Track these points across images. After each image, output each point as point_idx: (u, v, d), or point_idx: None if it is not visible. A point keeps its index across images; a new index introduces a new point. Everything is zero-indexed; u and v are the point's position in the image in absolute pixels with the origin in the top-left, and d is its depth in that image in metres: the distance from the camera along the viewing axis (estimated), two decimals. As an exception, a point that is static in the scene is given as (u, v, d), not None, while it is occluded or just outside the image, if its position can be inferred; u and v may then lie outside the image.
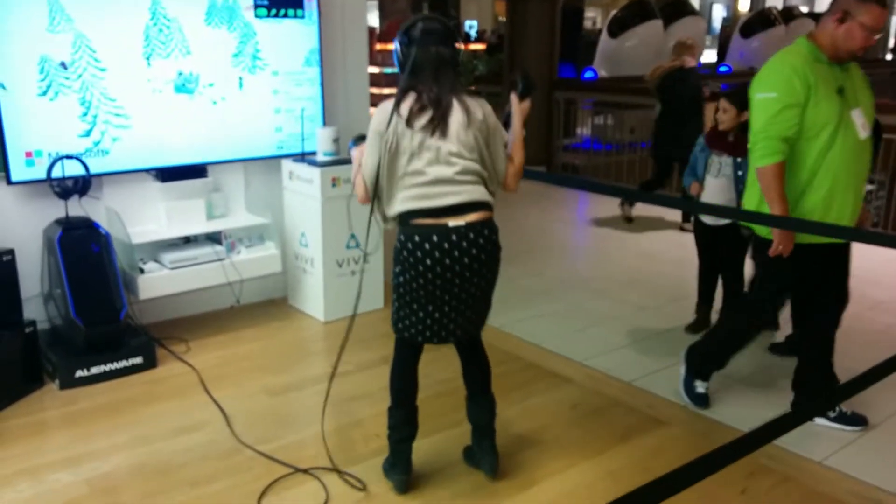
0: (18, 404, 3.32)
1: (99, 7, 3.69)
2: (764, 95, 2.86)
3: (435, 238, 2.38)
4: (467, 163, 2.43)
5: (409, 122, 2.38)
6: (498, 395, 2.78)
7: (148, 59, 3.87)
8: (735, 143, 3.88)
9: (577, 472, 2.84)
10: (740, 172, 3.85)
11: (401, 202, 2.44)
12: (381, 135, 2.40)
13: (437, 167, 2.40)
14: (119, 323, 3.55)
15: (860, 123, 2.87)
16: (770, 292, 3.17)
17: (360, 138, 2.63)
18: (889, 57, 17.59)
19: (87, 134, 3.74)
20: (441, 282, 2.42)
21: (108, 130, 3.80)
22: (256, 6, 4.15)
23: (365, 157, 2.45)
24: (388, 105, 2.43)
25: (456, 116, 2.42)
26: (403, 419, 2.67)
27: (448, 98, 2.42)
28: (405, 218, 2.45)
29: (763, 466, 2.84)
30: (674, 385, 3.52)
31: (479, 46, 17.00)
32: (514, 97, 2.72)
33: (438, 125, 2.39)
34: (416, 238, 2.40)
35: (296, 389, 3.56)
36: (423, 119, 2.38)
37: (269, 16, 4.20)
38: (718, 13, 22.11)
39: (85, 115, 3.72)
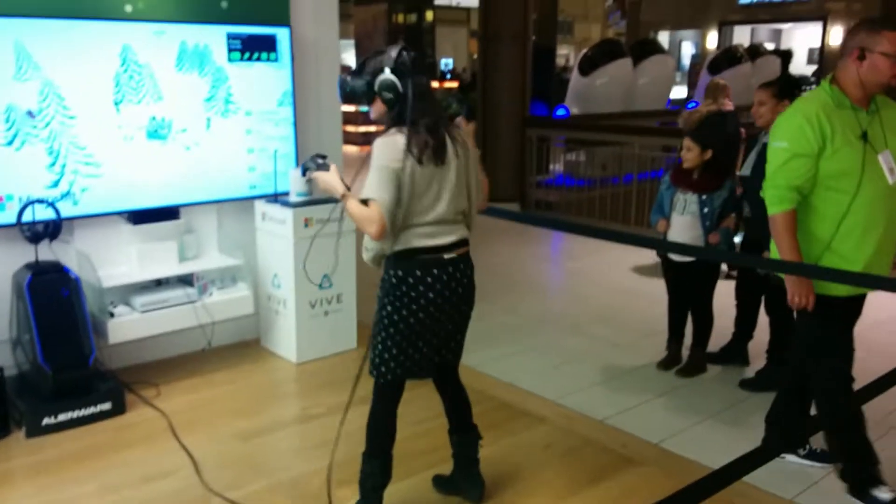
0: (-17, 453, 3.26)
1: (68, 55, 3.69)
2: (776, 144, 2.76)
3: (436, 271, 2.49)
4: (459, 202, 2.54)
5: (420, 160, 2.42)
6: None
7: (118, 105, 3.87)
8: (699, 180, 3.96)
9: (550, 514, 2.83)
10: (706, 210, 3.93)
11: (414, 238, 2.48)
12: (396, 172, 2.39)
13: (440, 205, 2.48)
14: (87, 368, 3.51)
15: (887, 168, 2.70)
16: (812, 346, 2.99)
17: (321, 158, 2.65)
18: None
19: (55, 185, 3.70)
20: (439, 314, 2.52)
21: (77, 180, 3.76)
22: (230, 50, 4.18)
23: (379, 192, 2.38)
24: (398, 141, 2.41)
25: (450, 148, 2.49)
26: (380, 468, 2.67)
27: (443, 129, 2.49)
28: (408, 254, 2.48)
29: (734, 504, 2.86)
30: (646, 422, 3.54)
31: (453, 84, 17.26)
32: (462, 121, 2.77)
33: (441, 157, 2.46)
34: (418, 272, 2.48)
35: (267, 433, 3.53)
36: (429, 153, 2.44)
37: (242, 59, 4.24)
38: (687, 50, 22.67)
39: (53, 165, 3.69)
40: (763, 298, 3.99)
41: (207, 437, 3.43)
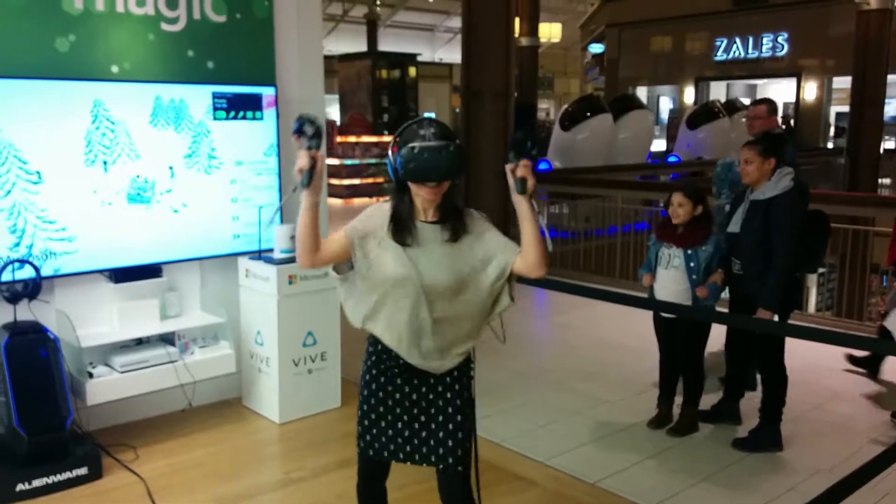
0: (-49, 524, 3.12)
1: (30, 113, 3.52)
2: None
3: None
4: None
5: None
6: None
7: (91, 166, 3.73)
8: (684, 235, 3.96)
9: (543, 584, 2.74)
10: (692, 264, 3.92)
11: None
12: None
13: None
14: (64, 432, 3.40)
15: None
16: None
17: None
18: (830, 145, 18.47)
19: (20, 267, 3.49)
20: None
21: (49, 260, 3.61)
22: (215, 109, 4.18)
23: None
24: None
25: None
26: None
27: None
28: None
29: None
30: (639, 485, 3.46)
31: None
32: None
33: None
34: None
35: (249, 499, 3.41)
36: None
37: (227, 118, 4.23)
38: (665, 105, 23.13)
39: (17, 245, 3.53)
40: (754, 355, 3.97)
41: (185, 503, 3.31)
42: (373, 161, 15.61)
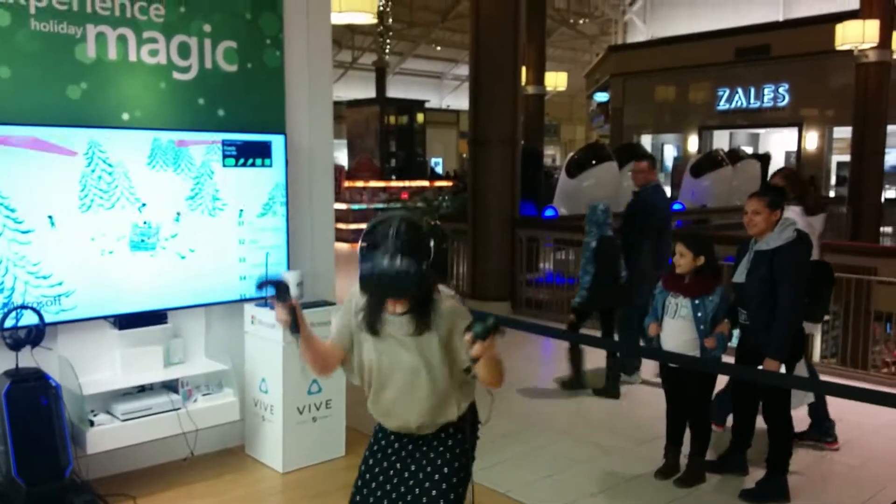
0: (-55, 576, 3.07)
1: (13, 155, 3.40)
2: None
3: None
4: None
5: None
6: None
7: (87, 212, 3.65)
8: (691, 284, 3.96)
9: None
10: (699, 314, 3.91)
11: None
12: None
13: None
14: (63, 481, 3.36)
15: None
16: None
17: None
18: (832, 194, 18.52)
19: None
20: None
21: (51, 307, 3.54)
22: (225, 156, 4.21)
23: None
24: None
25: None
26: None
27: None
28: None
29: None
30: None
31: (445, 183, 17.61)
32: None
33: None
34: None
35: (249, 551, 3.36)
36: None
37: (236, 165, 4.27)
38: (669, 153, 23.30)
39: (6, 305, 3.43)
40: (761, 405, 3.93)
41: (186, 556, 3.25)
42: (380, 206, 15.72)
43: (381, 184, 16.58)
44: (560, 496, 3.86)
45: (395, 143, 18.82)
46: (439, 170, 23.74)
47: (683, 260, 3.97)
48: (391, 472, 2.41)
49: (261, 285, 2.24)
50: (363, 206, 15.87)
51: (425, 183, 17.31)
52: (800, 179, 4.67)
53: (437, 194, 11.84)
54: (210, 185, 4.15)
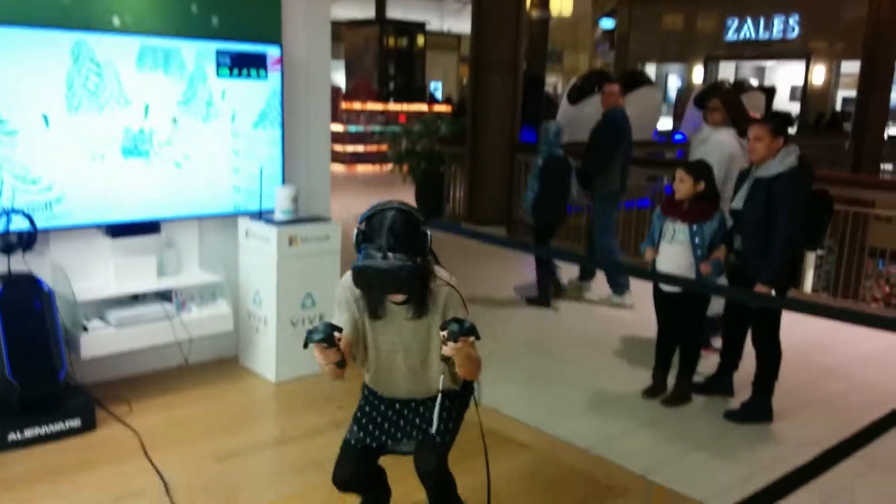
0: (-55, 469, 3.14)
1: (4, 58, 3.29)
2: None
3: None
4: None
5: None
6: (453, 462, 2.68)
7: (76, 113, 3.55)
8: (689, 210, 3.94)
9: (531, 546, 2.75)
10: (697, 240, 3.90)
11: None
12: None
13: None
14: (57, 383, 3.40)
15: None
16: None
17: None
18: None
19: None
20: None
21: (44, 212, 3.49)
22: (219, 66, 4.12)
23: None
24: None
25: None
26: None
27: None
28: None
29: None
30: (631, 452, 3.48)
31: (444, 108, 17.35)
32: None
33: None
34: None
35: (243, 455, 3.42)
36: None
37: (230, 76, 4.18)
38: (673, 83, 22.93)
39: None
40: (750, 330, 3.96)
41: (180, 458, 3.32)
42: (378, 129, 15.52)
43: (379, 106, 16.32)
44: (548, 412, 3.93)
45: (394, 65, 18.44)
46: (438, 95, 23.36)
47: (683, 186, 3.94)
48: (389, 412, 2.53)
49: (309, 341, 2.18)
50: (360, 128, 15.66)
51: (424, 107, 17.04)
52: (735, 102, 4.91)
53: (436, 118, 11.65)
54: (203, 89, 4.04)
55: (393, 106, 16.73)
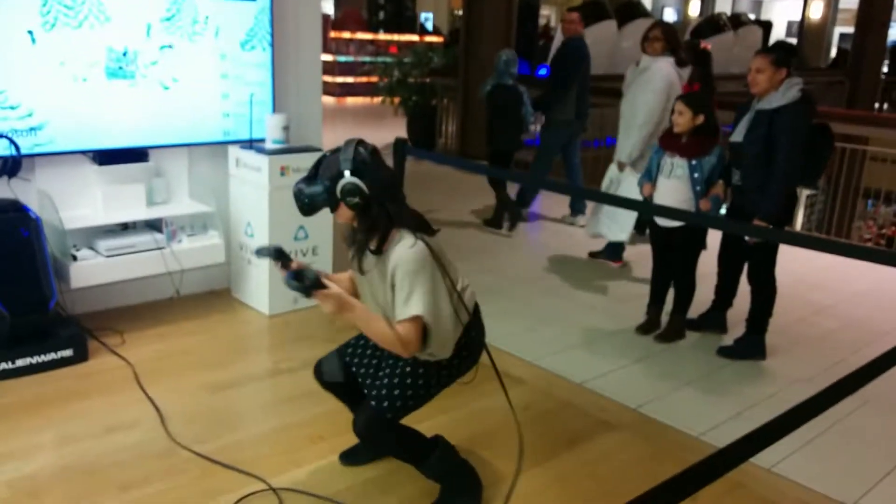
0: (-66, 398, 3.11)
1: None
2: None
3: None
4: None
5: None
6: (447, 397, 2.68)
7: (52, 31, 3.35)
8: (688, 144, 3.87)
9: (527, 478, 2.77)
10: (696, 175, 3.84)
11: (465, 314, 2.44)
12: (433, 271, 2.27)
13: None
14: (48, 312, 3.35)
15: None
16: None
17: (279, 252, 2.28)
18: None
19: None
20: None
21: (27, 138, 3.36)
22: (207, -13, 3.94)
23: (440, 304, 2.29)
24: (421, 244, 2.25)
25: None
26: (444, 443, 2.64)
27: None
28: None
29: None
30: (624, 387, 3.50)
31: (436, 39, 16.95)
32: None
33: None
34: (479, 337, 2.54)
35: (237, 386, 3.41)
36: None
37: (220, -2, 4.00)
38: (669, 16, 22.48)
39: None
40: (746, 267, 3.94)
41: (174, 389, 3.30)
42: (367, 59, 15.17)
43: (369, 36, 15.92)
44: (541, 347, 3.94)
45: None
46: (429, 25, 22.80)
47: (682, 118, 3.86)
48: (377, 353, 2.60)
49: (260, 252, 2.33)
50: (350, 58, 15.30)
51: (415, 38, 16.63)
52: (674, 32, 5.11)
53: (428, 49, 11.36)
54: (189, 4, 3.86)
55: (383, 36, 16.32)
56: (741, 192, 3.76)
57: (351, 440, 2.65)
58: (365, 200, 2.25)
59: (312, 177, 2.30)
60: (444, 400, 3.24)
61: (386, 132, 8.42)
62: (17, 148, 3.38)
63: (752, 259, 3.85)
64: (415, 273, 2.22)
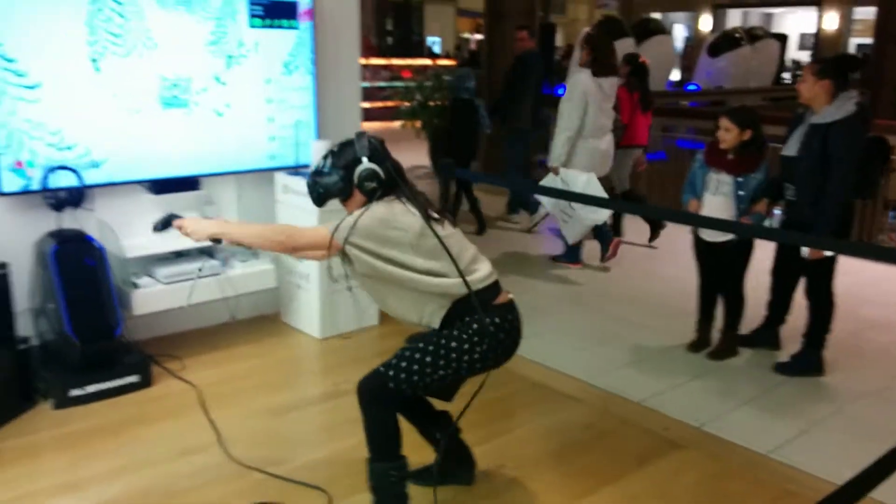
0: (11, 425, 3.15)
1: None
2: None
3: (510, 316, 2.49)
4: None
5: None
6: (506, 415, 2.73)
7: (96, 62, 3.37)
8: (735, 160, 3.87)
9: (599, 498, 2.78)
10: (741, 192, 3.85)
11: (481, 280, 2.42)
12: (418, 236, 2.36)
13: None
14: (115, 339, 3.40)
15: None
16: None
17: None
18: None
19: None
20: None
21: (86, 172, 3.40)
22: (252, 16, 4.03)
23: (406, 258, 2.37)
24: (409, 208, 2.38)
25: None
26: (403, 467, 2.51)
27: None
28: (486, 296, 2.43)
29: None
30: (683, 405, 3.51)
31: (447, 62, 17.09)
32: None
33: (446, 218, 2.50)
34: (510, 316, 2.48)
35: (298, 409, 3.45)
36: (436, 215, 2.45)
37: (263, 25, 4.09)
38: (679, 33, 22.58)
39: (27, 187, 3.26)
40: (803, 282, 3.92)
41: (237, 412, 3.34)
42: (383, 84, 15.30)
43: (383, 61, 16.07)
44: (594, 366, 3.95)
45: (393, 20, 18.09)
46: (436, 49, 23.02)
47: (729, 135, 3.84)
48: None
49: (157, 227, 2.62)
50: (364, 84, 15.44)
51: (427, 62, 16.78)
52: (594, 41, 5.48)
53: (440, 73, 11.46)
54: (234, 28, 3.92)
55: (397, 61, 16.49)
56: (795, 207, 3.73)
57: (420, 461, 2.67)
58: (381, 185, 2.37)
59: (321, 169, 2.44)
60: (501, 417, 3.28)
61: (410, 154, 8.51)
62: (81, 178, 3.45)
63: (810, 273, 3.83)
64: (346, 227, 2.34)
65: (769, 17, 22.76)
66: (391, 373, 2.39)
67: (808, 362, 3.85)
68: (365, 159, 2.38)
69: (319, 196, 2.47)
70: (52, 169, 3.39)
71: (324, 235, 2.37)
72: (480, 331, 2.38)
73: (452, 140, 6.65)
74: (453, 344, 2.37)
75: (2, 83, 3.21)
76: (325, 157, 2.45)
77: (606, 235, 5.72)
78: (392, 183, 2.40)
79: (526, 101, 6.58)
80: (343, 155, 2.42)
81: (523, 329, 2.56)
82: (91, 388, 3.34)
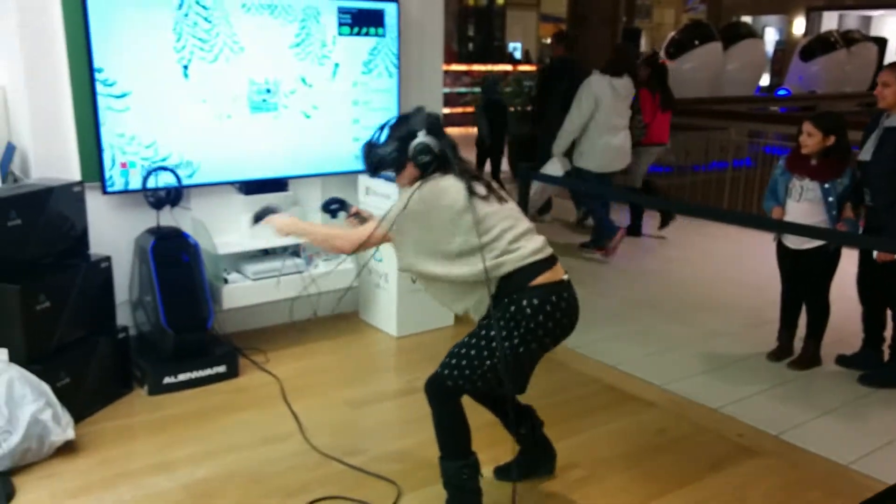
0: (110, 408, 3.38)
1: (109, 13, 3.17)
2: None
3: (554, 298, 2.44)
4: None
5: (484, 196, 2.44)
6: (581, 417, 2.75)
7: (187, 69, 3.49)
8: (819, 166, 3.78)
9: (668, 501, 2.78)
10: (830, 198, 3.75)
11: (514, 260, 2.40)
12: (461, 212, 2.37)
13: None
14: (206, 331, 3.60)
15: None
16: None
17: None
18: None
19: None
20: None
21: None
22: (340, 24, 4.19)
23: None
24: (457, 184, 2.39)
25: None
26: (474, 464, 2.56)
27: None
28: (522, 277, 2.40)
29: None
30: (762, 413, 3.44)
31: (529, 67, 17.10)
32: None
33: (497, 194, 2.49)
34: (554, 297, 2.42)
35: (376, 402, 3.57)
36: (483, 191, 2.45)
37: (351, 34, 4.24)
38: (771, 37, 21.87)
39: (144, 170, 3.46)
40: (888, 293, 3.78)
41: (318, 404, 3.48)
42: (464, 90, 15.45)
43: (463, 67, 16.22)
44: (669, 372, 3.92)
45: (474, 25, 18.22)
46: (517, 55, 23.04)
47: (812, 140, 3.76)
48: None
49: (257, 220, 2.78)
50: (445, 89, 15.65)
51: (508, 67, 16.84)
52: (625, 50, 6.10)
53: (521, 78, 11.49)
54: (317, 29, 4.05)
55: (477, 66, 16.60)
56: (874, 212, 3.64)
57: (502, 456, 2.73)
58: (434, 159, 2.39)
59: (377, 139, 2.48)
60: (575, 417, 3.30)
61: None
62: (179, 179, 3.67)
63: (892, 282, 3.71)
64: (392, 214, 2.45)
65: (867, 20, 21.77)
66: (446, 371, 2.45)
67: (895, 374, 3.71)
68: (421, 133, 2.40)
69: (371, 165, 2.49)
70: (153, 170, 3.62)
71: (368, 232, 2.51)
72: (516, 315, 2.35)
73: (489, 135, 7.71)
74: (491, 333, 2.37)
75: (102, 98, 3.43)
76: (382, 128, 2.48)
77: (610, 229, 5.91)
78: (445, 159, 2.42)
79: (553, 105, 6.62)
80: (400, 127, 2.45)
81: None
82: (182, 377, 3.54)
